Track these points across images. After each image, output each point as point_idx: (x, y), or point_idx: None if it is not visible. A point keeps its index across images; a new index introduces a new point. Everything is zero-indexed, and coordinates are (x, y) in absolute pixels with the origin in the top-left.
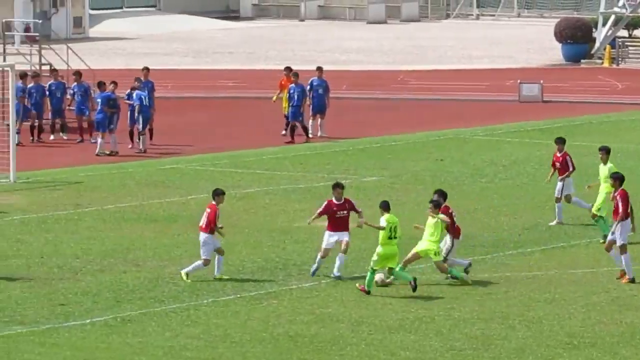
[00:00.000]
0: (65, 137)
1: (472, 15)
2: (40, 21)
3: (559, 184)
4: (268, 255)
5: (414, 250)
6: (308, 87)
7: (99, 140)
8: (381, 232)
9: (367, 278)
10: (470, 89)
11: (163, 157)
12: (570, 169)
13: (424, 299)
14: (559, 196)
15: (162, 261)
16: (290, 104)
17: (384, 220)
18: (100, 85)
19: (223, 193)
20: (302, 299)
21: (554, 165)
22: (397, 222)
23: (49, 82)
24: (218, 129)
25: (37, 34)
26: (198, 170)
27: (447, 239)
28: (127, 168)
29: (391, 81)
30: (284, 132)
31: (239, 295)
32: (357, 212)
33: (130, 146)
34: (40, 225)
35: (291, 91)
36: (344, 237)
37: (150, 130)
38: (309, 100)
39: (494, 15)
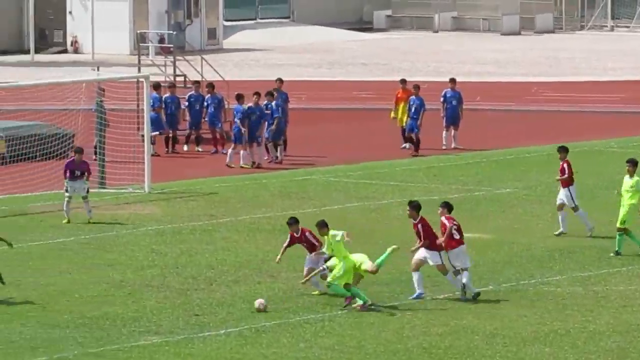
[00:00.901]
0: (200, 150)
1: (606, 26)
2: (175, 32)
3: (565, 192)
4: (402, 267)
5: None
6: (441, 98)
7: (229, 151)
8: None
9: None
10: (604, 100)
11: (297, 168)
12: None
13: (558, 311)
14: (574, 205)
15: (296, 272)
16: (409, 116)
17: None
18: (239, 97)
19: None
20: (436, 311)
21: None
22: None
23: (189, 94)
24: (352, 140)
25: (171, 45)
26: (332, 182)
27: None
28: (261, 179)
29: (525, 93)
30: (403, 145)
31: (373, 307)
32: None
33: (266, 158)
34: (175, 235)
35: (411, 102)
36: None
37: (285, 142)
38: (442, 111)
39: (628, 27)
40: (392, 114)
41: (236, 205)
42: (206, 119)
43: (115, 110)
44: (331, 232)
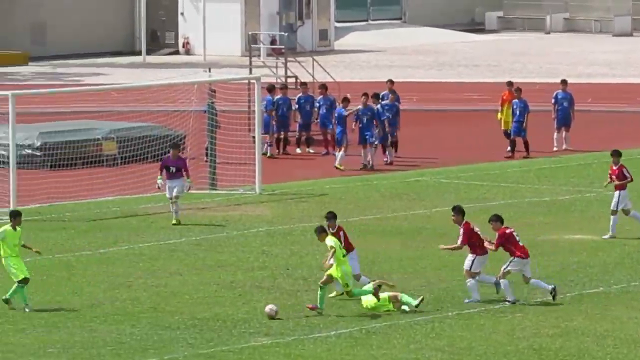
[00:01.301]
0: (311, 151)
1: None
2: (286, 34)
3: (615, 195)
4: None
5: None
6: (553, 100)
7: (339, 153)
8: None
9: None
10: None
11: (408, 170)
12: (629, 179)
13: None
14: (615, 209)
15: (407, 274)
16: (514, 119)
17: (329, 241)
18: (344, 100)
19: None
20: (546, 312)
21: (610, 178)
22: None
23: (298, 96)
24: (463, 141)
25: (282, 46)
26: (443, 183)
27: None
28: (372, 180)
29: (637, 94)
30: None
31: (483, 308)
32: None
33: (385, 159)
34: (285, 237)
35: (514, 106)
36: None
37: (395, 143)
38: (553, 113)
39: None
40: (499, 115)
41: (347, 206)
42: (317, 120)
43: (227, 111)
44: (328, 239)
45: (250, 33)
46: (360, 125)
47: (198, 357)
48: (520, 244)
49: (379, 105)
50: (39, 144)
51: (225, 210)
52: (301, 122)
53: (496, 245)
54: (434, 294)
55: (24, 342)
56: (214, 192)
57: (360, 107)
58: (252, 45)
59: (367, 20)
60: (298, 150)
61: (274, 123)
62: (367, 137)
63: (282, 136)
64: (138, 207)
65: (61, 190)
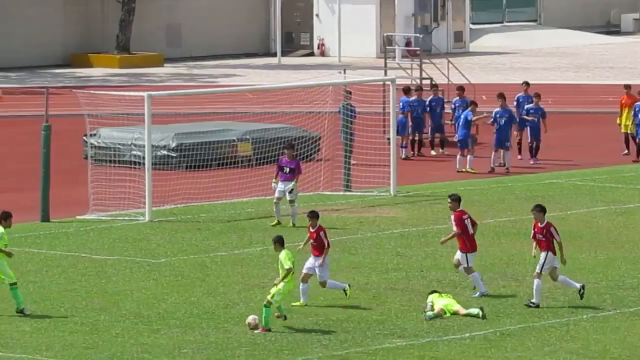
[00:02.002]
0: (446, 153)
1: None
2: (421, 36)
3: None
4: None
5: None
6: None
7: (468, 157)
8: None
9: (264, 315)
10: None
11: (543, 172)
12: None
13: None
14: None
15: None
16: (635, 122)
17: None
18: (472, 104)
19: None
20: None
21: None
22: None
23: (430, 97)
24: (599, 144)
25: (418, 48)
26: (578, 185)
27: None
28: (507, 182)
29: None
30: (625, 152)
31: (618, 311)
32: None
33: (531, 161)
34: (420, 238)
35: (636, 109)
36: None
37: (536, 147)
38: None
39: None
40: (618, 120)
41: (481, 208)
42: (453, 122)
43: (362, 113)
44: (284, 252)
45: (385, 35)
46: (497, 128)
47: (332, 358)
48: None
49: (495, 110)
50: (174, 145)
51: (359, 212)
52: (432, 125)
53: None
54: (568, 297)
55: (158, 343)
56: (349, 193)
57: (498, 109)
58: (387, 47)
59: (502, 22)
60: (432, 152)
61: (410, 124)
62: (504, 139)
63: (416, 138)
64: (272, 209)
65: (196, 191)
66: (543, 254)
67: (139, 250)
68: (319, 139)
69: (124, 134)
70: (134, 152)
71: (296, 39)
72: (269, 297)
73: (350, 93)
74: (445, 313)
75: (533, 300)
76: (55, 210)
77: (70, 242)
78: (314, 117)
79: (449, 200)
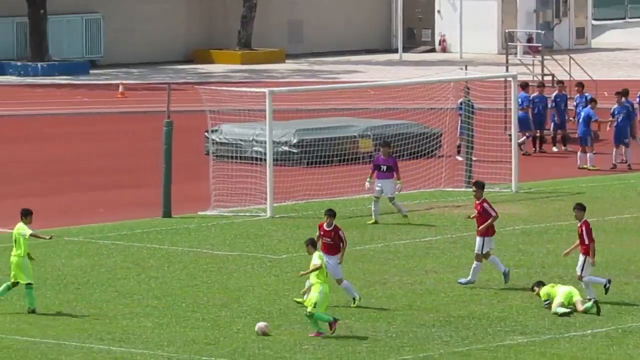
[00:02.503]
0: (568, 149)
1: None
2: (543, 32)
3: None
4: None
5: None
6: None
7: (588, 154)
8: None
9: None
10: None
11: None
12: None
13: None
14: None
15: None
16: None
17: (316, 258)
18: (592, 101)
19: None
20: None
21: None
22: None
23: (554, 94)
24: None
25: (539, 44)
26: None
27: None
28: (629, 179)
29: None
30: None
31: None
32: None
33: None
34: (541, 235)
35: None
36: None
37: None
38: None
39: None
40: None
41: (603, 205)
42: (574, 119)
43: (482, 109)
44: (315, 257)
45: (507, 31)
46: (615, 124)
47: (453, 355)
48: None
49: (614, 106)
50: (295, 141)
51: None
52: (557, 121)
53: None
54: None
55: (279, 339)
56: (470, 189)
57: (616, 106)
58: (508, 43)
59: (624, 18)
60: (554, 149)
61: (531, 120)
62: (622, 136)
63: (538, 134)
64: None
65: (317, 187)
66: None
67: (260, 247)
68: (440, 135)
69: (245, 130)
70: (255, 148)
71: (417, 35)
72: (309, 308)
73: (469, 89)
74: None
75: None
76: (177, 206)
77: (192, 237)
78: (435, 114)
79: (474, 188)
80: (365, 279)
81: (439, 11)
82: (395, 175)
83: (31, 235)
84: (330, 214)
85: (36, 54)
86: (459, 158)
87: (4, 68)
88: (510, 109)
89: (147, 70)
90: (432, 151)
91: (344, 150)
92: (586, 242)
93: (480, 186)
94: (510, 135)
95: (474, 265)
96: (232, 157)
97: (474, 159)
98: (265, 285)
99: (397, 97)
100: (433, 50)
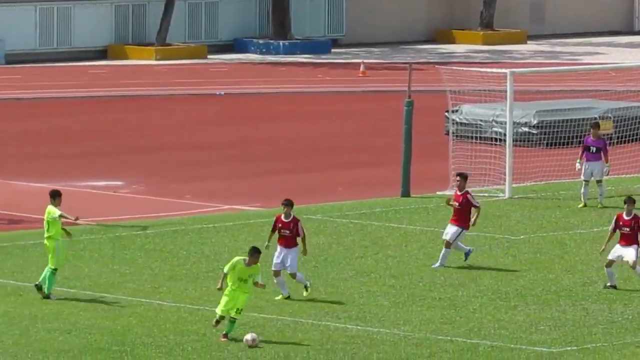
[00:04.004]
0: None
1: None
2: None
3: None
4: None
5: None
6: None
7: None
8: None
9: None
10: None
11: None
12: None
13: None
14: None
15: None
16: None
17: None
18: None
19: None
20: None
21: None
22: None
23: None
24: None
25: None
26: None
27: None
28: None
29: None
30: None
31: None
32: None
33: None
34: None
35: None
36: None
37: None
38: None
39: None
40: None
41: None
42: None
43: None
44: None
45: None
46: None
47: None
48: None
49: None
50: (535, 122)
51: None
52: None
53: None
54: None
55: (515, 319)
56: None
57: None
58: None
59: None
60: None
61: None
62: None
63: None
64: (633, 187)
65: (557, 168)
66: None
67: (498, 227)
68: None
69: (485, 111)
70: (495, 129)
71: None
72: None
73: None
74: None
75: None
76: (416, 185)
77: (430, 217)
78: None
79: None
80: (602, 260)
81: None
82: (603, 157)
83: (60, 216)
84: (288, 204)
85: (278, 32)
86: None
87: (246, 46)
88: None
89: (389, 50)
90: None
91: (584, 132)
92: None
93: (464, 177)
94: None
95: (443, 252)
96: (471, 138)
97: None
98: (503, 265)
99: (639, 79)
100: None
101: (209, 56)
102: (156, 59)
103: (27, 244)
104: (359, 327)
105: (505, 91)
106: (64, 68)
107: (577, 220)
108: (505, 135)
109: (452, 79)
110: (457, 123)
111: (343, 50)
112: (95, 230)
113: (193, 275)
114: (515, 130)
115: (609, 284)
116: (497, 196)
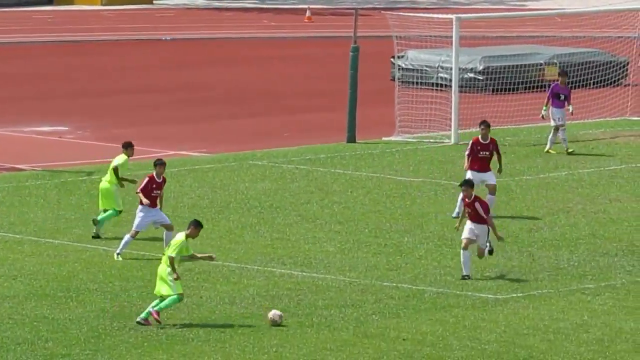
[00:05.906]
0: None
1: None
2: None
3: None
4: None
5: None
6: None
7: None
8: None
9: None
10: None
11: None
12: None
13: None
14: None
15: None
16: None
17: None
18: None
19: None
20: None
21: None
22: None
23: None
24: None
25: None
26: None
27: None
28: None
29: None
30: None
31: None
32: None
33: None
34: None
35: None
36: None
37: None
38: None
39: None
40: None
41: None
42: None
43: None
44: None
45: None
46: None
47: (636, 284)
48: None
49: None
50: (481, 68)
51: None
52: None
53: None
54: None
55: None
56: None
57: None
58: None
59: None
60: None
61: None
62: None
63: None
64: (578, 133)
65: (502, 114)
66: None
67: (444, 173)
68: (627, 63)
69: (431, 57)
70: (441, 75)
71: None
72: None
73: None
74: None
75: None
76: (362, 131)
77: (376, 163)
78: (622, 42)
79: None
80: (548, 206)
81: None
82: (566, 104)
83: (121, 178)
84: (161, 163)
85: None
86: None
87: None
88: None
89: None
90: (618, 80)
91: (530, 78)
92: None
93: (487, 125)
94: None
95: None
96: (417, 83)
97: None
98: (448, 212)
99: (584, 25)
100: None
101: (154, 1)
102: (102, 4)
103: None
104: (304, 274)
105: (451, 37)
106: (8, 13)
107: (523, 166)
108: (451, 81)
109: (398, 24)
110: (402, 69)
111: None
112: (41, 175)
113: None
114: (461, 76)
115: (464, 273)
116: (442, 142)
